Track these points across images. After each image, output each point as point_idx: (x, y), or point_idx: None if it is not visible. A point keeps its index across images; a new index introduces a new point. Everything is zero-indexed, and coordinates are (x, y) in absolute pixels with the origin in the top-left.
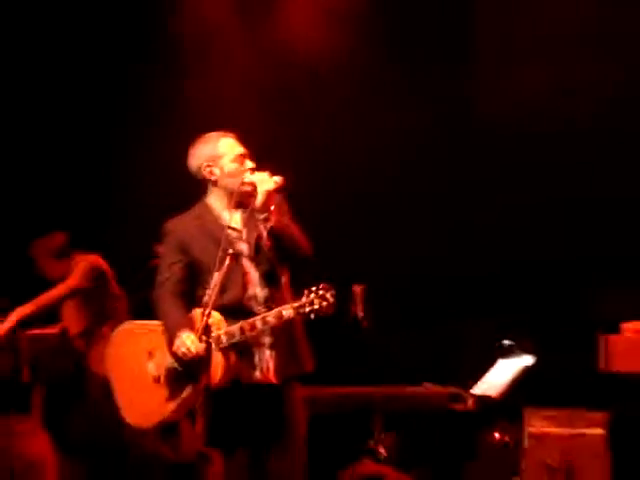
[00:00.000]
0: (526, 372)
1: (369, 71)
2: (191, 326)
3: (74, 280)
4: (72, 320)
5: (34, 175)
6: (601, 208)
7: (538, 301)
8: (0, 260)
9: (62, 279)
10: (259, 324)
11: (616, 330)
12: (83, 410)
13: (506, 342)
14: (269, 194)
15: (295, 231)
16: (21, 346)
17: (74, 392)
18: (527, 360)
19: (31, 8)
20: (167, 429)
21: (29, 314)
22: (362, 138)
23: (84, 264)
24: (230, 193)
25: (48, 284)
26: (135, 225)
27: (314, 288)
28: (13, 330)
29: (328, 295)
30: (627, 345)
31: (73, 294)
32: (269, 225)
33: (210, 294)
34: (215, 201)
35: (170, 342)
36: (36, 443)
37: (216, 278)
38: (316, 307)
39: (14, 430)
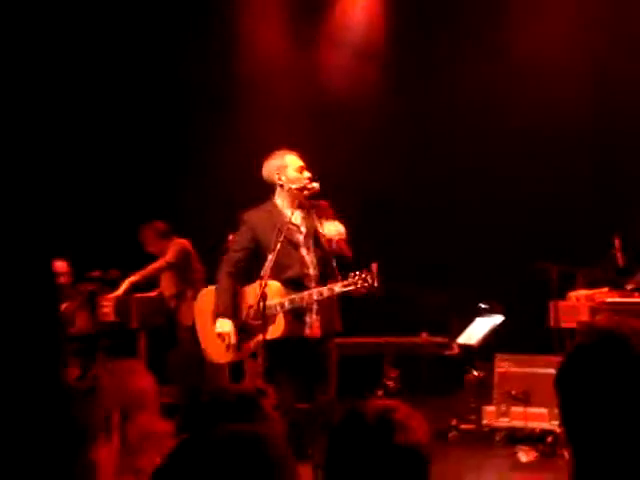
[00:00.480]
0: (497, 327)
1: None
2: (232, 308)
3: (169, 257)
4: (166, 286)
5: (144, 182)
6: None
7: (509, 274)
8: (115, 240)
9: (160, 255)
10: (315, 295)
11: (563, 297)
12: (174, 353)
13: (482, 305)
14: (339, 242)
15: (343, 246)
16: (131, 305)
17: (168, 338)
18: (498, 319)
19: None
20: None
21: (136, 281)
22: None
23: (177, 246)
24: (293, 195)
25: (148, 259)
26: (211, 217)
27: (358, 272)
28: (125, 293)
29: (369, 278)
30: (569, 308)
31: (167, 268)
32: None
33: (266, 270)
34: (281, 201)
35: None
36: (142, 379)
37: (270, 258)
38: (359, 286)
39: (124, 369)
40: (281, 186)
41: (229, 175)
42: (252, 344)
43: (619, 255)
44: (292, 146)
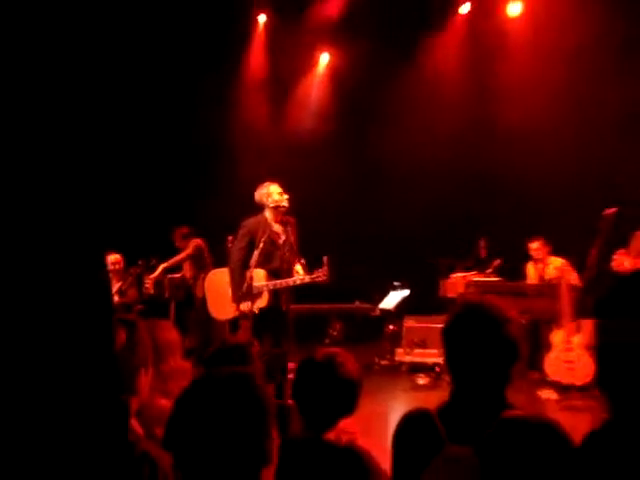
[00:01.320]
0: (405, 297)
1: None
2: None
3: (188, 251)
4: (187, 270)
5: (178, 200)
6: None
7: (415, 262)
8: (154, 237)
9: (184, 249)
10: (291, 282)
11: (448, 276)
12: (192, 315)
13: (396, 283)
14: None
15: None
16: (164, 282)
17: (188, 305)
18: (406, 292)
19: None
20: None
21: (167, 267)
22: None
23: (194, 244)
24: (276, 212)
25: (176, 251)
26: (218, 224)
27: (320, 269)
28: (160, 275)
29: (324, 272)
30: (451, 284)
31: (188, 258)
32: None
33: (253, 263)
34: (268, 216)
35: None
36: (170, 332)
37: (256, 253)
38: (320, 279)
39: (157, 325)
40: (268, 206)
41: (231, 196)
42: (246, 309)
43: (483, 251)
44: (273, 178)
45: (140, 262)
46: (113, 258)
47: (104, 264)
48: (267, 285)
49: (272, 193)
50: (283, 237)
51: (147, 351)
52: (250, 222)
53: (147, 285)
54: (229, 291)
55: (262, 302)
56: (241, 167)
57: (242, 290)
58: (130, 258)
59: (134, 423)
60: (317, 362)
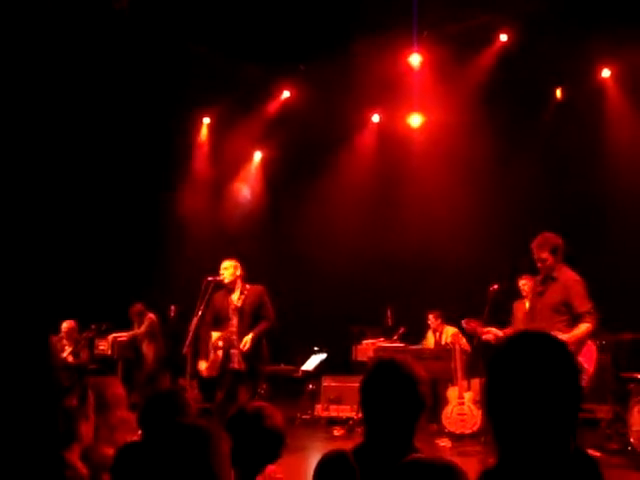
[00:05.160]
0: (323, 360)
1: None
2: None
3: (143, 329)
4: (145, 345)
5: (133, 273)
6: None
7: (331, 329)
8: (107, 304)
9: (139, 325)
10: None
11: (360, 342)
12: (139, 373)
13: (316, 348)
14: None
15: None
16: (114, 344)
17: (137, 364)
18: (324, 355)
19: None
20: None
21: (120, 338)
22: None
23: (148, 321)
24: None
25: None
26: (168, 296)
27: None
28: (112, 339)
29: None
30: (363, 349)
31: (144, 335)
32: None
33: (195, 323)
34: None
35: None
36: (117, 388)
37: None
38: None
39: (106, 382)
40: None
41: (174, 271)
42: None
43: (389, 320)
44: (210, 259)
45: (92, 326)
46: (67, 324)
47: (46, 331)
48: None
49: (227, 268)
50: (237, 303)
51: (90, 405)
52: (215, 295)
53: (102, 347)
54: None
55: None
56: (183, 248)
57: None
58: (84, 323)
59: (80, 465)
60: (247, 414)
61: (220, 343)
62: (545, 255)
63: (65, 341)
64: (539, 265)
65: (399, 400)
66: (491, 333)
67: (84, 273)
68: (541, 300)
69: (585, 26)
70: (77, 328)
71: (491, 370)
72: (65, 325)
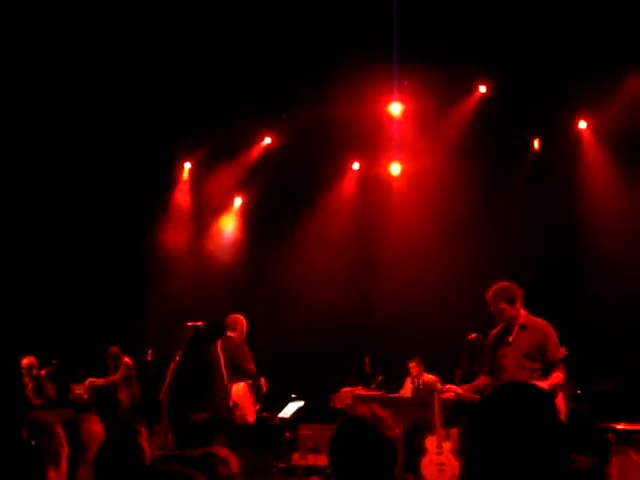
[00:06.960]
0: (300, 408)
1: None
2: None
3: (120, 374)
4: (121, 390)
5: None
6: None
7: (311, 380)
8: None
9: (114, 369)
10: None
11: (338, 390)
12: (115, 416)
13: (293, 395)
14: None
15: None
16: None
17: (111, 410)
18: (301, 403)
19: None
20: None
21: (96, 383)
22: None
23: (124, 365)
24: None
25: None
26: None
27: None
28: (90, 384)
29: None
30: (341, 397)
31: (120, 380)
32: None
33: (172, 369)
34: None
35: None
36: (96, 425)
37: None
38: None
39: (85, 418)
40: None
41: (156, 316)
42: None
43: (368, 368)
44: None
45: (53, 361)
46: (27, 360)
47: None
48: None
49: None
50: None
51: (59, 449)
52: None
53: (78, 392)
54: None
55: None
56: (163, 291)
57: None
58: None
59: None
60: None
61: None
62: (503, 306)
63: (26, 378)
64: (496, 316)
65: (369, 459)
66: (451, 391)
67: (61, 313)
68: (512, 349)
69: (562, 77)
70: (37, 364)
71: (476, 423)
72: (25, 361)
